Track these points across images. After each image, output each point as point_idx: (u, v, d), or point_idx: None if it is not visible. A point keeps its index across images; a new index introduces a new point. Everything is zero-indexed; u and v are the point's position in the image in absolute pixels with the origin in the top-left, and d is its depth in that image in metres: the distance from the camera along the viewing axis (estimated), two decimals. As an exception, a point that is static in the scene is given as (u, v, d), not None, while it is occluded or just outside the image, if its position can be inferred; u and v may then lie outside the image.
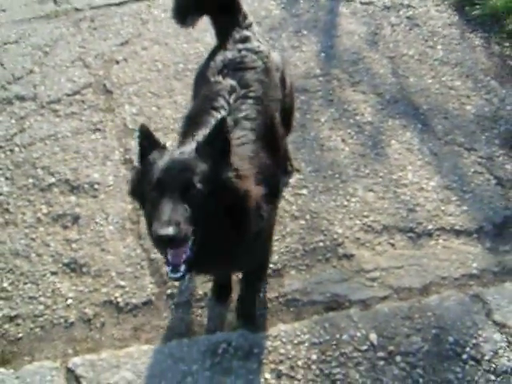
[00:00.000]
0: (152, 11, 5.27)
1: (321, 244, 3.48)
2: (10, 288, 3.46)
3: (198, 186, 2.21)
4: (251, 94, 2.80)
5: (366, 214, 3.61)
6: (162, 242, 2.15)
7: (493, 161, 3.86)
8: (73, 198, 3.85)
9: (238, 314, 3.19)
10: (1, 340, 3.26)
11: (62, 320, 3.30)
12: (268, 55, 3.09)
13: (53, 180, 3.97)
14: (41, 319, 3.31)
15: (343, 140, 4.03)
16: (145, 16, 5.23)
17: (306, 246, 3.46)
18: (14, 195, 3.92)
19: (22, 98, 4.60)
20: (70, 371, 3.05)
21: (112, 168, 3.99)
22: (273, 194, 2.70)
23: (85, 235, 3.65)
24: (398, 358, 2.98)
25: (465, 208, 3.62)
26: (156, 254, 3.46)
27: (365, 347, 3.02)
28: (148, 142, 2.42)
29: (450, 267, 3.36)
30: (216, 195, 2.25)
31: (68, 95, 4.56)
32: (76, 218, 3.74)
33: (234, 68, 2.93)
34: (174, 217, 2.12)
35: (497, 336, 3.05)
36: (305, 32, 4.89)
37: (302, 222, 3.58)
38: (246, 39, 3.13)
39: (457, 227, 3.53)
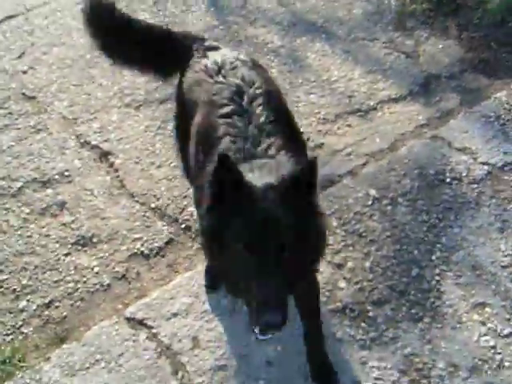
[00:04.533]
0: (32, 21, 5.36)
1: (293, 145, 3.91)
2: (30, 282, 3.51)
3: (294, 245, 2.01)
4: (259, 91, 2.52)
5: (316, 111, 4.12)
6: (270, 328, 1.97)
7: (394, 42, 4.54)
8: (49, 191, 3.95)
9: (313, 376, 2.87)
10: (48, 325, 3.32)
11: (97, 286, 3.43)
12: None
13: (20, 184, 4.02)
14: (76, 294, 3.42)
15: (266, 65, 4.48)
16: (28, 27, 5.32)
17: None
18: (-14, 210, 3.94)
19: None
20: (130, 320, 3.21)
21: (73, 154, 4.13)
22: None
23: (79, 214, 3.79)
24: (400, 199, 3.50)
25: (391, 81, 4.25)
26: (155, 203, 3.72)
27: (370, 202, 3.51)
28: (228, 176, 2.02)
29: (403, 125, 3.95)
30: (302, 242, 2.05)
31: (-10, 113, 4.59)
32: (62, 204, 3.86)
33: (231, 67, 2.65)
34: (279, 297, 1.97)
35: (463, 157, 3.68)
36: (187, -5, 5.30)
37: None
38: (216, 47, 2.91)
39: (392, 96, 4.14)
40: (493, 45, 4.50)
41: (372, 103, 4.10)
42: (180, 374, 2.96)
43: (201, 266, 3.36)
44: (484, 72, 4.31)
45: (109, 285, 3.43)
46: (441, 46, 4.55)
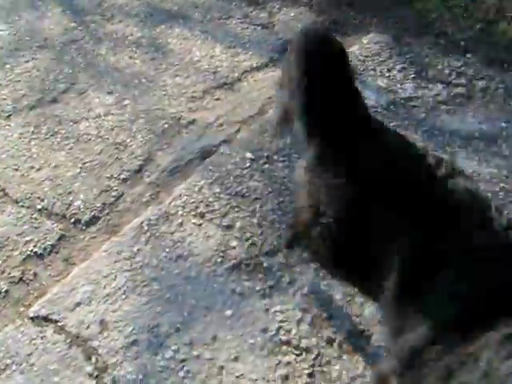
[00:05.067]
0: None
1: (166, 126, 4.03)
2: None
3: None
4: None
5: (184, 91, 4.24)
6: None
7: (249, 17, 4.76)
8: None
9: None
10: None
11: (-5, 295, 3.41)
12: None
13: None
14: (-26, 307, 3.38)
15: (130, 57, 4.58)
16: None
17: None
18: None
19: None
20: (35, 318, 3.20)
21: None
22: None
23: (-36, 230, 3.72)
24: (275, 157, 3.69)
25: (251, 52, 4.46)
26: (41, 204, 3.72)
27: (248, 164, 3.67)
28: None
29: (268, 90, 4.15)
30: None
31: None
32: None
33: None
34: None
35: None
36: (39, 3, 5.27)
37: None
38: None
39: (254, 66, 4.36)
40: (341, 6, 4.81)
41: (236, 75, 4.29)
42: (93, 358, 2.99)
43: (96, 254, 3.40)
44: (336, 31, 4.60)
45: (7, 291, 3.40)
46: (293, 14, 4.82)
